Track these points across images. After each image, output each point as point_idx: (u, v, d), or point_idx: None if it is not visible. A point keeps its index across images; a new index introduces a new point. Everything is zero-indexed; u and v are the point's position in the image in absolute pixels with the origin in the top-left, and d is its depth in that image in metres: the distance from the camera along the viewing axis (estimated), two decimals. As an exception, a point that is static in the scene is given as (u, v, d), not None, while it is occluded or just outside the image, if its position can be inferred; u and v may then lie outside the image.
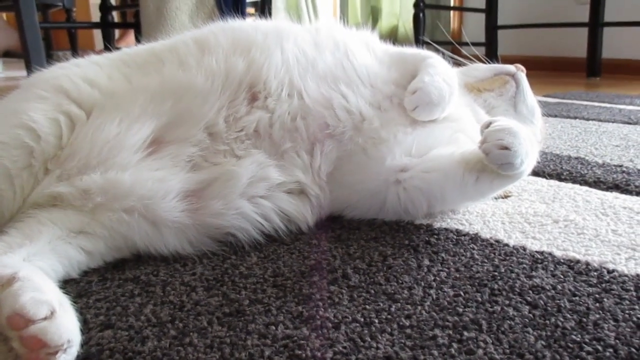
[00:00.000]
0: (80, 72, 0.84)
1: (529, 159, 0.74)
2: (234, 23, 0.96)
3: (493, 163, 0.73)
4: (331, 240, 0.80)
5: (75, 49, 4.62)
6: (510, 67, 1.06)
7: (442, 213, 0.89)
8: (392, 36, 4.93)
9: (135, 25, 3.67)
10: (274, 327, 0.57)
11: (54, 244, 0.68)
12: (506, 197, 0.98)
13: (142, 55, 0.90)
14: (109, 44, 3.33)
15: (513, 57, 4.23)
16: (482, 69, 1.08)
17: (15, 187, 0.72)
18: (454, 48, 4.41)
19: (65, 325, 0.51)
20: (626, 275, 0.67)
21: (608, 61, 3.49)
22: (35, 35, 2.10)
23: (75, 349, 0.52)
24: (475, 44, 4.18)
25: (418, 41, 3.65)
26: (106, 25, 3.28)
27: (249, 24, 0.95)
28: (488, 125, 0.75)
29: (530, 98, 1.05)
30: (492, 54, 4.02)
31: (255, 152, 0.80)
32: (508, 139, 0.72)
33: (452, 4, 4.48)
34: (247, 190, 0.78)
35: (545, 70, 3.87)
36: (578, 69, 3.57)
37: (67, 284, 0.67)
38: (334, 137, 0.85)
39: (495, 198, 0.96)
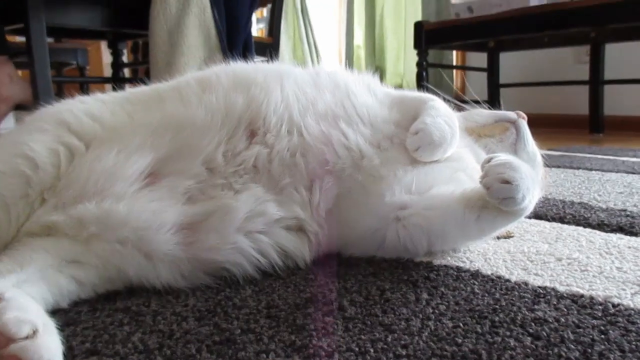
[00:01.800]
0: (83, 107, 0.85)
1: (530, 195, 0.73)
2: (236, 64, 0.98)
3: (494, 198, 0.72)
4: (328, 275, 0.78)
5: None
6: (512, 114, 1.06)
7: (443, 252, 0.87)
8: (397, 95, 5.03)
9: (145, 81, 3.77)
10: (264, 355, 0.55)
11: (45, 272, 0.67)
12: (508, 237, 0.96)
13: (146, 93, 0.92)
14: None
15: (516, 114, 4.24)
16: (484, 115, 1.08)
17: (10, 216, 0.72)
18: (457, 105, 4.45)
19: (47, 346, 0.50)
20: (632, 309, 0.65)
21: (610, 118, 3.53)
22: (48, 91, 2.16)
23: None
24: (478, 102, 4.26)
25: (422, 99, 3.72)
26: (117, 80, 3.37)
27: (251, 65, 0.98)
28: (489, 160, 0.75)
29: (531, 145, 1.04)
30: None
31: (253, 187, 0.80)
32: (509, 172, 0.71)
33: (454, 64, 4.60)
34: (244, 225, 0.77)
35: (548, 127, 3.92)
36: (581, 126, 3.60)
37: (55, 314, 0.65)
38: (333, 173, 0.84)
39: (497, 238, 0.95)
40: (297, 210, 0.82)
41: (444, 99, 1.01)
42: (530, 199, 0.74)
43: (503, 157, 0.75)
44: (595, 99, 3.46)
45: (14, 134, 0.83)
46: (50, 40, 3.42)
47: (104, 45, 4.67)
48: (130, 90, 0.96)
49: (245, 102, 0.85)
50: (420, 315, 0.64)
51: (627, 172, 1.73)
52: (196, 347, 0.57)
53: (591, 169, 1.81)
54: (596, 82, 3.45)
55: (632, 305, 0.66)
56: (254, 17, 3.09)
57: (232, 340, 0.58)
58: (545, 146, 2.57)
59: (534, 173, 0.78)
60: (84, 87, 4.38)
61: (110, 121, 0.83)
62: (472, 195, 0.78)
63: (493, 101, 4.19)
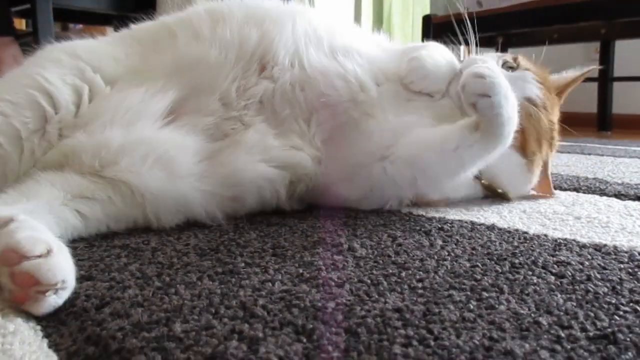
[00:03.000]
0: (98, 45, 0.83)
1: (508, 106, 0.72)
2: None
3: (470, 95, 0.71)
4: (337, 224, 0.75)
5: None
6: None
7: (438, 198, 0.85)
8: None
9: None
10: (270, 284, 0.51)
11: (51, 204, 0.64)
12: (505, 198, 0.90)
13: (155, 30, 0.89)
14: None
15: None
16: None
17: (24, 151, 0.69)
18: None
19: (61, 265, 0.47)
20: (660, 257, 0.61)
21: (619, 116, 3.49)
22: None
23: (67, 292, 0.47)
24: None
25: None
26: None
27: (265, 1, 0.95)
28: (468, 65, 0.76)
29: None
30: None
31: (257, 122, 0.80)
32: (484, 70, 0.72)
33: (462, 59, 4.56)
34: (252, 154, 0.77)
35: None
36: (589, 124, 3.56)
37: (49, 248, 0.61)
38: (330, 107, 0.82)
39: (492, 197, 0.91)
40: (296, 139, 0.81)
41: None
42: (509, 114, 0.72)
43: (482, 68, 0.73)
44: (604, 97, 3.43)
45: (25, 66, 0.80)
46: (56, 30, 3.39)
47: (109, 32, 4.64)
48: (135, 28, 0.92)
49: (259, 36, 0.84)
50: (436, 257, 0.60)
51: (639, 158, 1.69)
52: (197, 276, 0.53)
53: (603, 155, 1.77)
54: (605, 79, 3.41)
55: (659, 254, 0.62)
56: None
57: (235, 272, 0.54)
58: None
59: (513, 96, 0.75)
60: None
61: (127, 62, 0.82)
62: (451, 128, 0.77)
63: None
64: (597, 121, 3.50)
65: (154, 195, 0.69)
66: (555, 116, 0.97)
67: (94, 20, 3.65)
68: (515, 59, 0.93)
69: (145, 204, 0.69)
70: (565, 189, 1.07)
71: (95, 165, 0.68)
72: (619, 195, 1.01)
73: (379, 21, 4.96)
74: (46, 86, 0.72)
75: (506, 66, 0.92)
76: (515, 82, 0.87)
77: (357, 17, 4.78)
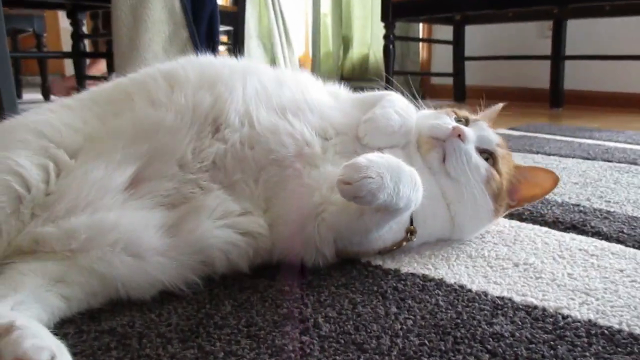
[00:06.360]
0: (57, 117, 0.86)
1: (390, 191, 0.75)
2: (203, 58, 1.01)
3: (345, 197, 0.77)
4: (303, 287, 0.83)
5: (44, 74, 4.59)
6: (444, 131, 0.93)
7: (408, 257, 0.93)
8: (364, 64, 5.04)
9: (107, 54, 3.69)
10: (247, 381, 0.59)
11: (37, 293, 0.70)
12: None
13: (112, 93, 0.94)
14: (80, 71, 3.32)
15: (480, 88, 4.37)
16: (424, 124, 0.97)
17: (2, 233, 0.74)
18: (423, 77, 4.57)
19: None
20: (579, 321, 0.71)
21: (570, 92, 3.64)
22: (5, 62, 2.12)
23: None
24: (444, 75, 4.32)
25: (388, 71, 3.75)
26: (78, 55, 3.28)
27: (218, 60, 1.01)
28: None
29: (462, 167, 0.92)
30: (460, 84, 4.15)
31: (213, 186, 0.85)
32: (349, 174, 0.75)
33: (421, 36, 4.62)
34: (213, 220, 0.83)
35: (510, 100, 4.00)
36: (541, 99, 3.71)
37: (43, 338, 0.68)
38: (277, 161, 0.88)
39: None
40: (247, 203, 0.87)
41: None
42: (394, 194, 0.76)
43: (357, 158, 0.77)
44: (556, 74, 3.56)
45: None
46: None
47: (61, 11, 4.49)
48: (93, 90, 0.97)
49: (212, 100, 0.90)
50: (390, 332, 0.69)
51: (583, 158, 1.82)
52: (183, 373, 0.61)
53: (550, 154, 1.89)
54: (557, 57, 3.54)
55: (579, 317, 0.73)
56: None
57: (216, 365, 0.62)
58: (507, 124, 2.65)
59: (402, 169, 0.78)
60: (43, 62, 4.22)
61: (86, 130, 0.86)
62: None
63: (458, 74, 4.25)
64: (549, 98, 3.64)
65: (126, 279, 0.76)
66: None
67: (46, 5, 3.54)
68: (464, 117, 1.00)
69: (117, 285, 0.76)
70: (511, 216, 1.17)
71: (67, 253, 0.74)
72: (556, 223, 1.12)
73: (338, 4, 4.92)
74: (17, 169, 0.76)
75: (459, 122, 0.98)
76: (476, 131, 0.96)
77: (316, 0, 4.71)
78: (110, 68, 3.90)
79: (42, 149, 0.80)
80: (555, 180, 0.99)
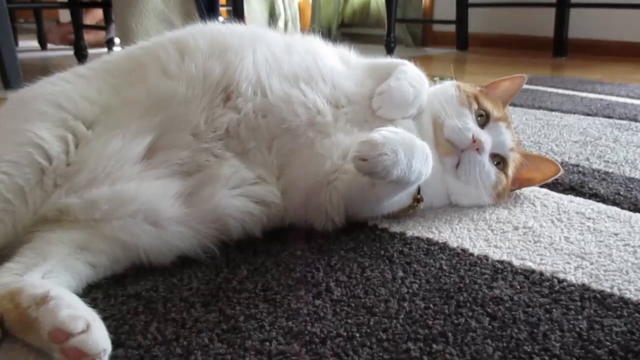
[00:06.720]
0: (73, 88, 0.88)
1: (403, 166, 0.79)
2: (212, 26, 1.03)
3: (360, 172, 0.81)
4: (313, 251, 0.87)
5: (40, 21, 4.51)
6: (465, 141, 0.95)
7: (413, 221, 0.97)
8: (365, 10, 4.94)
9: (104, 4, 3.61)
10: (268, 344, 0.65)
11: (65, 261, 0.75)
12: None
13: (125, 63, 0.96)
14: (77, 20, 3.27)
15: (483, 35, 4.29)
16: (447, 124, 0.97)
17: (28, 203, 0.78)
18: (425, 25, 4.49)
19: (100, 336, 0.60)
20: (573, 285, 0.76)
21: (574, 41, 3.60)
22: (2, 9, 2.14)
23: (107, 356, 0.60)
24: (446, 22, 4.25)
25: (390, 18, 3.69)
26: (75, 4, 3.22)
27: (227, 27, 1.02)
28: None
29: (475, 176, 0.97)
30: (462, 32, 4.09)
31: (227, 154, 0.88)
32: (365, 150, 0.78)
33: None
34: (228, 189, 0.87)
35: (513, 48, 3.97)
36: (545, 48, 3.67)
37: (74, 302, 0.73)
38: (290, 131, 0.91)
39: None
40: (261, 170, 0.90)
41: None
42: (407, 169, 0.80)
43: (369, 135, 0.80)
44: (561, 22, 3.51)
45: (10, 118, 0.86)
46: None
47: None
48: (106, 60, 0.99)
49: (222, 68, 0.91)
50: (397, 296, 0.74)
51: (584, 114, 1.84)
52: (208, 336, 0.66)
53: (552, 110, 1.91)
54: (563, 4, 3.47)
55: (574, 281, 0.78)
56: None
57: (238, 328, 0.68)
58: (510, 71, 2.64)
59: (415, 145, 0.82)
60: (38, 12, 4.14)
61: (101, 101, 0.88)
62: None
63: (461, 21, 4.18)
64: (553, 46, 3.60)
65: (147, 247, 0.80)
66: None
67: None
68: (485, 111, 1.00)
69: (139, 252, 0.80)
70: (511, 176, 1.20)
71: (90, 222, 0.79)
72: (555, 185, 1.16)
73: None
74: (38, 142, 0.79)
75: (479, 118, 1.00)
76: (493, 135, 0.98)
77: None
78: (107, 17, 3.84)
79: (60, 120, 0.83)
80: (557, 171, 1.04)
